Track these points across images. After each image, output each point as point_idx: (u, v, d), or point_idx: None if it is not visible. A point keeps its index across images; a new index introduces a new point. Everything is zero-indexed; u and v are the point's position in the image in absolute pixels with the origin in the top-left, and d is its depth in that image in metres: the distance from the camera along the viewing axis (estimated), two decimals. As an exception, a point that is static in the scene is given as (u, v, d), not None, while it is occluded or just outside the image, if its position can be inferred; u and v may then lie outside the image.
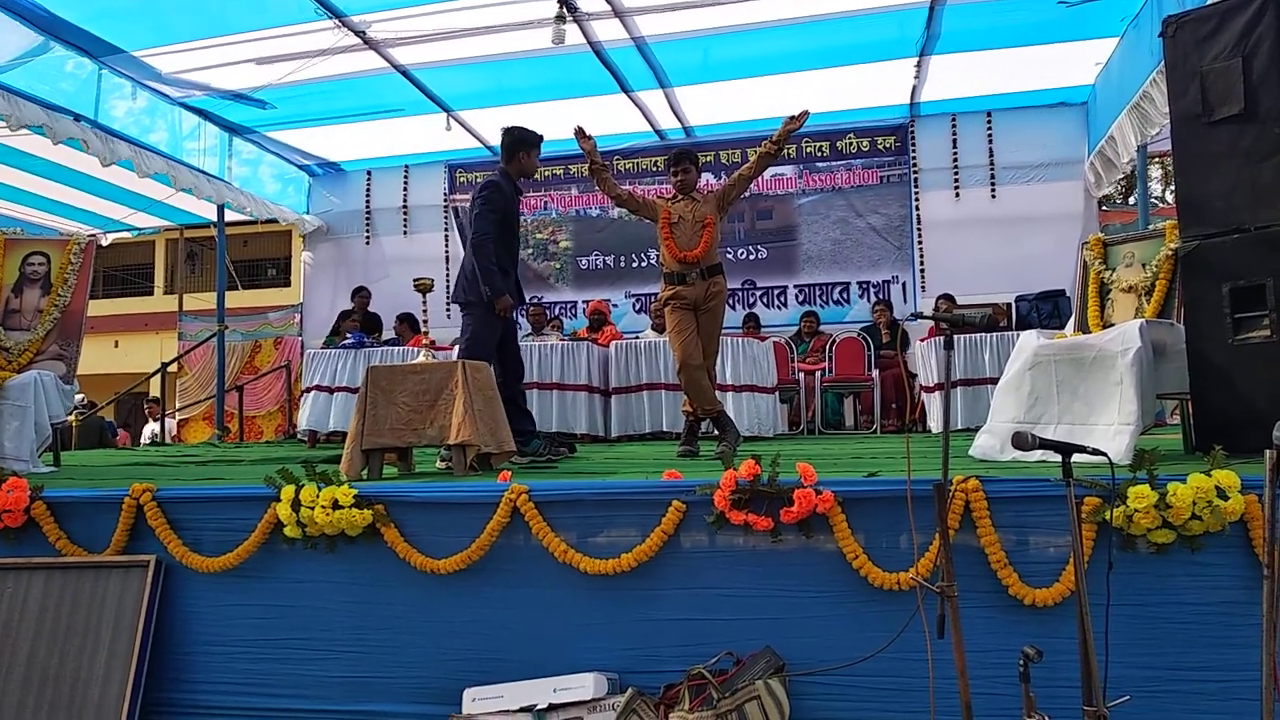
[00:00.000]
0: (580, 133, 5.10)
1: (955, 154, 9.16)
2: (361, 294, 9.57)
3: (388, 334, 9.27)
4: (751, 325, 9.04)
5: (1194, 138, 3.64)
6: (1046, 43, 7.44)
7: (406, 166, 10.33)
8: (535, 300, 9.59)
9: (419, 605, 3.39)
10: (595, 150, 5.12)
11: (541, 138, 5.06)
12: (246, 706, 3.47)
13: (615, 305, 9.60)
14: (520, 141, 4.99)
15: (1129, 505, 2.79)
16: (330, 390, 8.14)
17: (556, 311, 9.70)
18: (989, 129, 9.08)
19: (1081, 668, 2.32)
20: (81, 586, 3.60)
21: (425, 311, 4.76)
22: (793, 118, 4.92)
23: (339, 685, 3.41)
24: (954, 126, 9.16)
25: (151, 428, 12.47)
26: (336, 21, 6.81)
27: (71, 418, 8.41)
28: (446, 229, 10.24)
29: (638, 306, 9.77)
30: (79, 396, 8.35)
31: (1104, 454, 2.45)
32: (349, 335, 8.68)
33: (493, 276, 4.77)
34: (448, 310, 9.82)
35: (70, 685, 3.48)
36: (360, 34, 7.04)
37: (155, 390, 13.27)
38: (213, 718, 3.52)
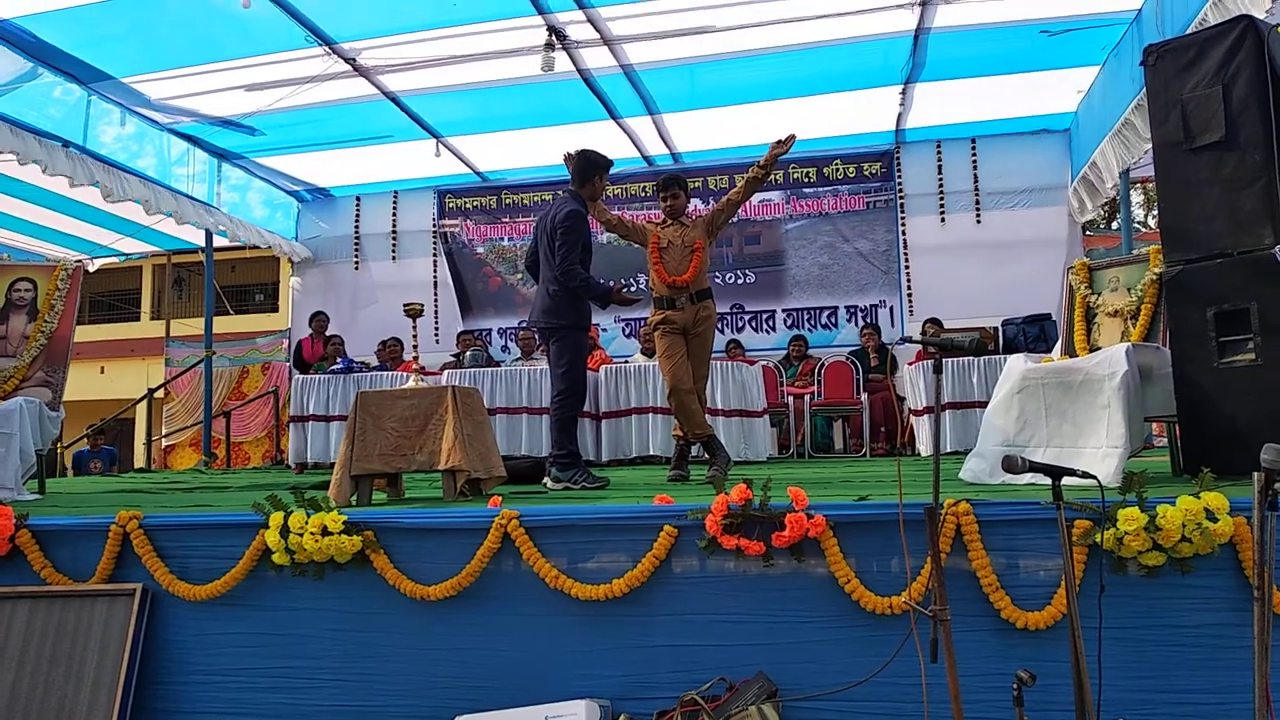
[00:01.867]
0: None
1: (940, 180, 9.26)
2: (319, 318, 9.60)
3: (370, 358, 9.23)
4: (735, 350, 9.06)
5: (1176, 164, 3.70)
6: (1029, 71, 7.55)
7: (396, 192, 10.35)
8: (524, 324, 9.58)
9: (409, 632, 3.36)
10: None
11: (611, 162, 5.15)
12: (234, 737, 3.43)
13: (605, 330, 9.60)
14: (595, 165, 5.06)
15: (1119, 528, 2.80)
16: (325, 419, 8.11)
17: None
18: (973, 155, 9.19)
19: (1075, 690, 2.33)
20: (66, 615, 3.55)
21: (415, 337, 4.76)
22: (779, 142, 4.97)
23: (328, 714, 3.37)
24: (939, 153, 9.27)
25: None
26: (327, 49, 6.86)
27: (58, 445, 8.35)
28: (435, 254, 10.26)
29: (627, 331, 9.79)
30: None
31: (1093, 477, 2.47)
32: (339, 360, 8.65)
33: (593, 285, 4.90)
34: (436, 335, 9.93)
35: (55, 716, 3.41)
36: (350, 61, 7.08)
37: (142, 417, 13.17)
38: (199, 748, 3.47)
